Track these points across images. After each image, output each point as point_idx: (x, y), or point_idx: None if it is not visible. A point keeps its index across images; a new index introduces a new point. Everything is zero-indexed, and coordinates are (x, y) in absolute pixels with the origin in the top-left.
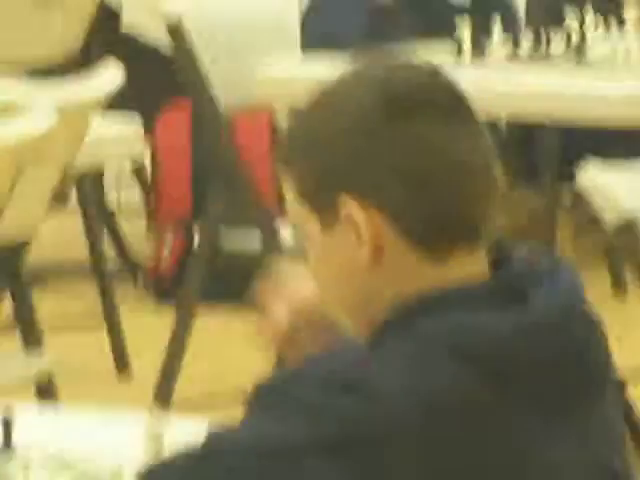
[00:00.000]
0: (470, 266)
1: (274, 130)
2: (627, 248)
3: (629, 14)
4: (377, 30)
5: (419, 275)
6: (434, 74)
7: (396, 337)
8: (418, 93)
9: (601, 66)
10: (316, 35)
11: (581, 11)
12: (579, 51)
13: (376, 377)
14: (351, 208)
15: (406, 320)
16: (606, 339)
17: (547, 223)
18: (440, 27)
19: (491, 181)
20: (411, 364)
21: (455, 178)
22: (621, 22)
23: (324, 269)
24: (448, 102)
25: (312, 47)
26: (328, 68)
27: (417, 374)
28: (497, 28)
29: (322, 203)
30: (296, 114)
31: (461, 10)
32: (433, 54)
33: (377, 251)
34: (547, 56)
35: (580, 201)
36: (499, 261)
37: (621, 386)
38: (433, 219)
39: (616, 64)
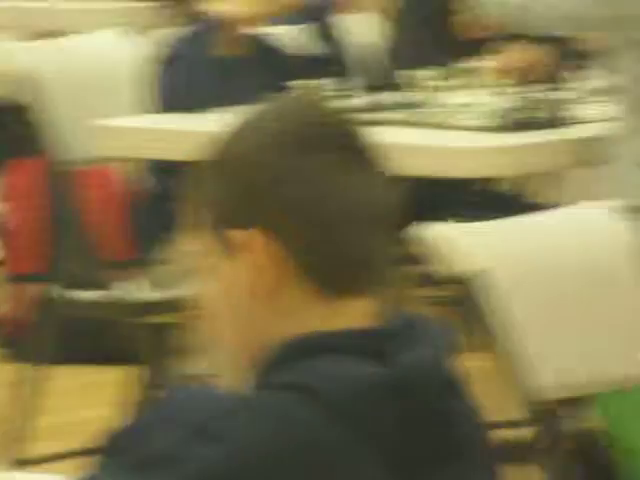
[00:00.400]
0: (357, 313)
1: (121, 182)
2: (469, 301)
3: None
4: (227, 84)
5: (310, 315)
6: (336, 114)
7: (273, 381)
8: (318, 131)
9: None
10: (166, 89)
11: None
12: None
13: (239, 428)
14: (253, 238)
15: (285, 363)
16: (473, 400)
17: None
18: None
19: (385, 230)
20: (277, 413)
21: (350, 221)
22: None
23: (221, 298)
24: (348, 144)
25: (162, 101)
26: (174, 121)
27: (279, 423)
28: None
29: (223, 230)
30: (212, 148)
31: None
32: None
33: (274, 280)
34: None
35: (424, 255)
36: (380, 314)
37: (491, 450)
38: (326, 257)
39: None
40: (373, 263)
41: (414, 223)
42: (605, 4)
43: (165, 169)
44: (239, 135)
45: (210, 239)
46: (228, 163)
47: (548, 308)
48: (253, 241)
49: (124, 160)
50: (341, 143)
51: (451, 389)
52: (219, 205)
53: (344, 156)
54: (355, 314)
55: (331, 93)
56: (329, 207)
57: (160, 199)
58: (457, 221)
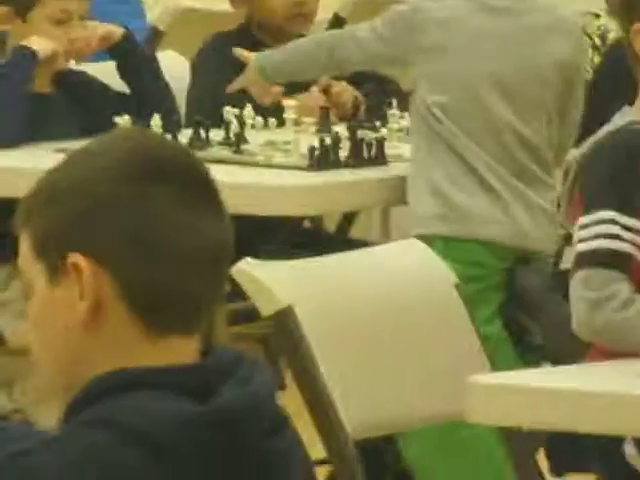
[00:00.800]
0: (181, 352)
1: None
2: (281, 337)
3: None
4: (40, 121)
5: (131, 349)
6: (179, 150)
7: (83, 417)
8: (159, 164)
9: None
10: None
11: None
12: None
13: (44, 463)
14: (77, 263)
15: (96, 398)
16: (297, 436)
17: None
18: (100, 121)
19: (218, 271)
20: (83, 451)
21: (183, 257)
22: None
23: (44, 322)
24: (190, 179)
25: None
26: None
27: (84, 458)
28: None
29: (51, 256)
30: (45, 173)
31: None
32: None
33: (96, 309)
34: (206, 144)
35: (237, 291)
36: (205, 352)
37: None
38: (154, 291)
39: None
40: (203, 302)
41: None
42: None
43: None
44: (70, 166)
45: (34, 266)
46: (59, 192)
47: (354, 346)
48: (78, 269)
49: None
50: (177, 176)
51: (275, 427)
52: (47, 232)
53: (180, 190)
54: (180, 351)
55: (157, 130)
56: (160, 242)
57: None
58: (269, 259)
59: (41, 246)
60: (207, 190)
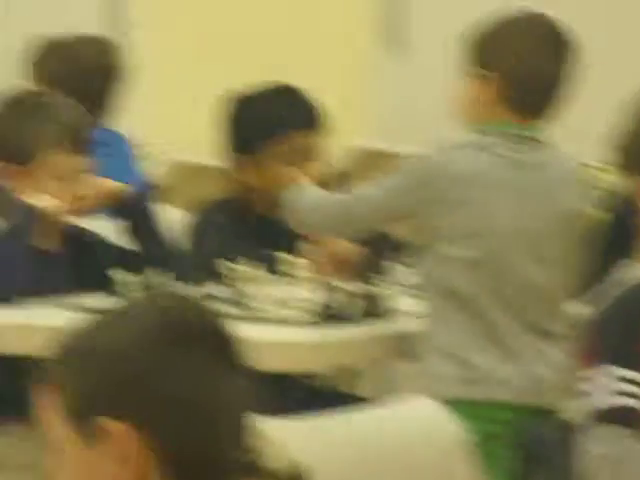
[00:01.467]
0: None
1: None
2: None
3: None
4: (41, 276)
5: None
6: (207, 312)
7: None
8: (195, 328)
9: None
10: None
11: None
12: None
13: None
14: (118, 430)
15: None
16: None
17: None
18: (97, 279)
19: (243, 428)
20: None
21: (220, 419)
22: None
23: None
24: (217, 341)
25: None
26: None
27: None
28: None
29: (86, 419)
30: (74, 333)
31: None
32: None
33: (136, 475)
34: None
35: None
36: None
37: None
38: (190, 454)
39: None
40: (230, 461)
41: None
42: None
43: None
44: (104, 328)
45: (67, 428)
46: (94, 355)
47: None
48: (117, 432)
49: None
50: (210, 339)
51: None
52: (82, 395)
53: (211, 353)
54: None
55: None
56: (196, 404)
57: None
58: (279, 416)
59: (76, 408)
60: (233, 350)
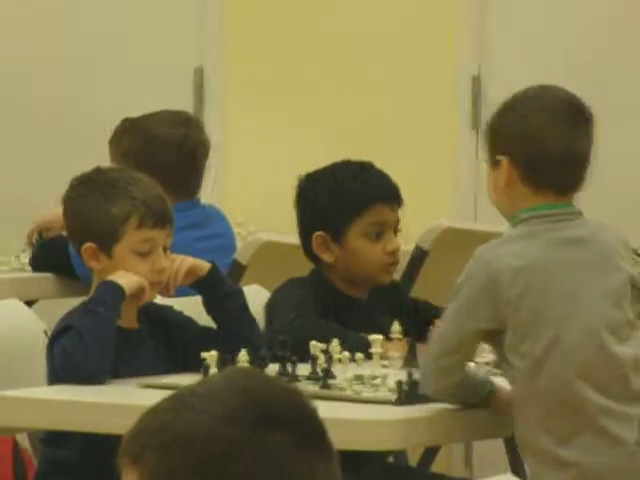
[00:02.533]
0: None
1: (16, 453)
2: None
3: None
4: (123, 354)
5: None
6: (291, 392)
7: None
8: (273, 410)
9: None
10: (62, 360)
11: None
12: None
13: None
14: None
15: None
16: None
17: None
18: (187, 357)
19: None
20: None
21: None
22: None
23: None
24: (302, 424)
25: (60, 371)
26: (90, 394)
27: None
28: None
29: None
30: (154, 411)
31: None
32: (179, 380)
33: None
34: (293, 379)
35: None
36: None
37: None
38: None
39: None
40: None
41: None
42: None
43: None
44: (182, 409)
45: None
46: (173, 437)
47: None
48: None
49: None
50: (290, 422)
51: None
52: (164, 475)
53: (294, 436)
54: None
55: (244, 365)
56: None
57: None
58: None
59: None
60: (318, 434)
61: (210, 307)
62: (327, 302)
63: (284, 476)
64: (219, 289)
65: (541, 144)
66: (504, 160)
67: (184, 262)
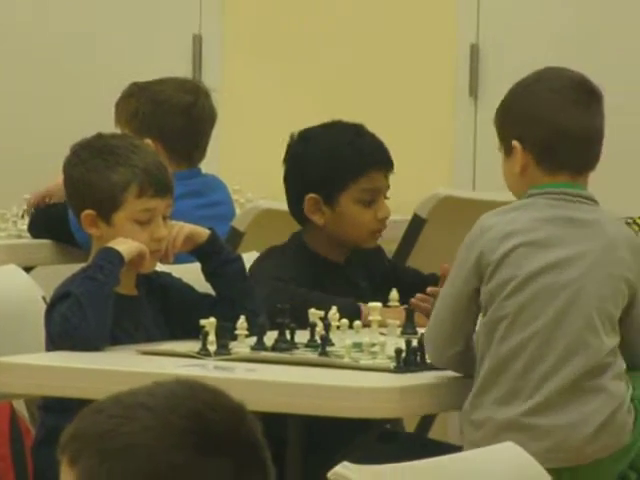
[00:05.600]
0: None
1: (13, 420)
2: None
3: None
4: (122, 320)
5: None
6: (233, 413)
7: None
8: (212, 431)
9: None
10: (58, 327)
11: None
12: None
13: None
14: None
15: None
16: None
17: None
18: (186, 324)
19: None
20: None
21: None
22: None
23: None
24: (252, 455)
25: (56, 337)
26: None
27: None
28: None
29: None
30: (96, 412)
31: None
32: (177, 347)
33: None
34: (291, 346)
35: None
36: None
37: None
38: None
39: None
40: None
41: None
42: None
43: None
44: (124, 418)
45: None
46: (112, 447)
47: None
48: None
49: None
50: (230, 447)
51: None
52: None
53: (234, 463)
54: None
55: (241, 332)
56: None
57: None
58: (353, 462)
59: None
60: (257, 456)
61: (209, 274)
62: (307, 268)
63: None
64: (218, 256)
65: (556, 125)
66: (518, 146)
67: (182, 229)
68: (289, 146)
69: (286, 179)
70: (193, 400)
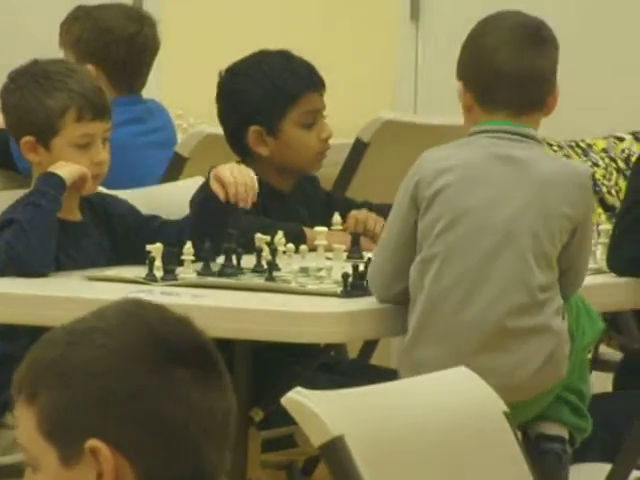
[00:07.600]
0: None
1: None
2: (332, 467)
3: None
4: (66, 246)
5: None
6: (186, 325)
7: None
8: (180, 347)
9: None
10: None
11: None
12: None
13: None
14: (96, 448)
15: None
16: None
17: (237, 441)
18: (130, 247)
19: (227, 439)
20: None
21: (200, 435)
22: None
23: None
24: (202, 358)
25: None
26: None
27: None
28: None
29: (65, 438)
30: (51, 343)
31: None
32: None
33: None
34: (238, 271)
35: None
36: None
37: None
38: (172, 476)
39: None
40: (214, 470)
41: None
42: None
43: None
44: (76, 343)
45: (42, 444)
46: (69, 373)
47: (406, 477)
48: (96, 454)
49: None
50: (191, 357)
51: None
52: (60, 415)
53: (197, 371)
54: None
55: (188, 257)
56: (180, 425)
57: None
58: (305, 387)
59: (53, 427)
60: (214, 366)
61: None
62: (264, 198)
63: (185, 412)
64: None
65: (491, 65)
66: (461, 87)
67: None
68: (220, 83)
69: (222, 116)
70: (143, 316)
